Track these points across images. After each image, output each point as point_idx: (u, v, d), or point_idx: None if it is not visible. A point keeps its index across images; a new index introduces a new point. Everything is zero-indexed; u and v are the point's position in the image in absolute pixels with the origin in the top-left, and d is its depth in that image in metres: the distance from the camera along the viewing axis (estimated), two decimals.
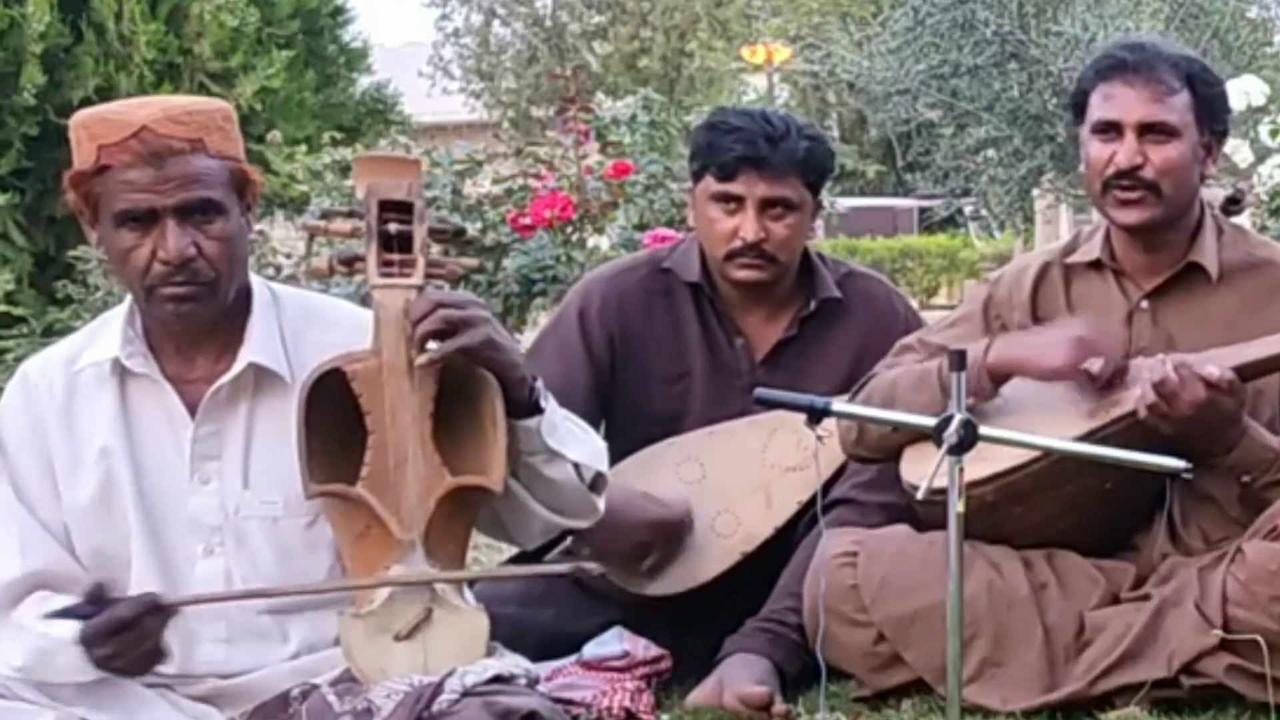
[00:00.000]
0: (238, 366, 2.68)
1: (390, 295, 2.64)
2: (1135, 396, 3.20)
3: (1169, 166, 3.32)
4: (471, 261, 2.98)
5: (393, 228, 2.67)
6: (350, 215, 2.72)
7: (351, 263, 2.71)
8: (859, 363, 3.70)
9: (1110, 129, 3.34)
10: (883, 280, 4.00)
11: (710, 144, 3.74)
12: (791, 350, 3.77)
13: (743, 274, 3.70)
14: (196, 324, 2.68)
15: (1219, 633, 3.17)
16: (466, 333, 2.60)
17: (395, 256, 2.66)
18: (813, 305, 3.77)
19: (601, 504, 2.84)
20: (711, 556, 3.61)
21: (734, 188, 3.68)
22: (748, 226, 3.67)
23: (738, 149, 3.67)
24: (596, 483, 2.81)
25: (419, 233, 2.68)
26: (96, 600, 2.57)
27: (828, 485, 3.56)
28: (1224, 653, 3.19)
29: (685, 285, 3.80)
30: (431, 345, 2.61)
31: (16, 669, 2.65)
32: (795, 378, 3.63)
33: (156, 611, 2.56)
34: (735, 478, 3.66)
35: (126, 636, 2.55)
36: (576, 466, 2.75)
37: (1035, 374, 3.31)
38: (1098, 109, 3.36)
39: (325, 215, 2.78)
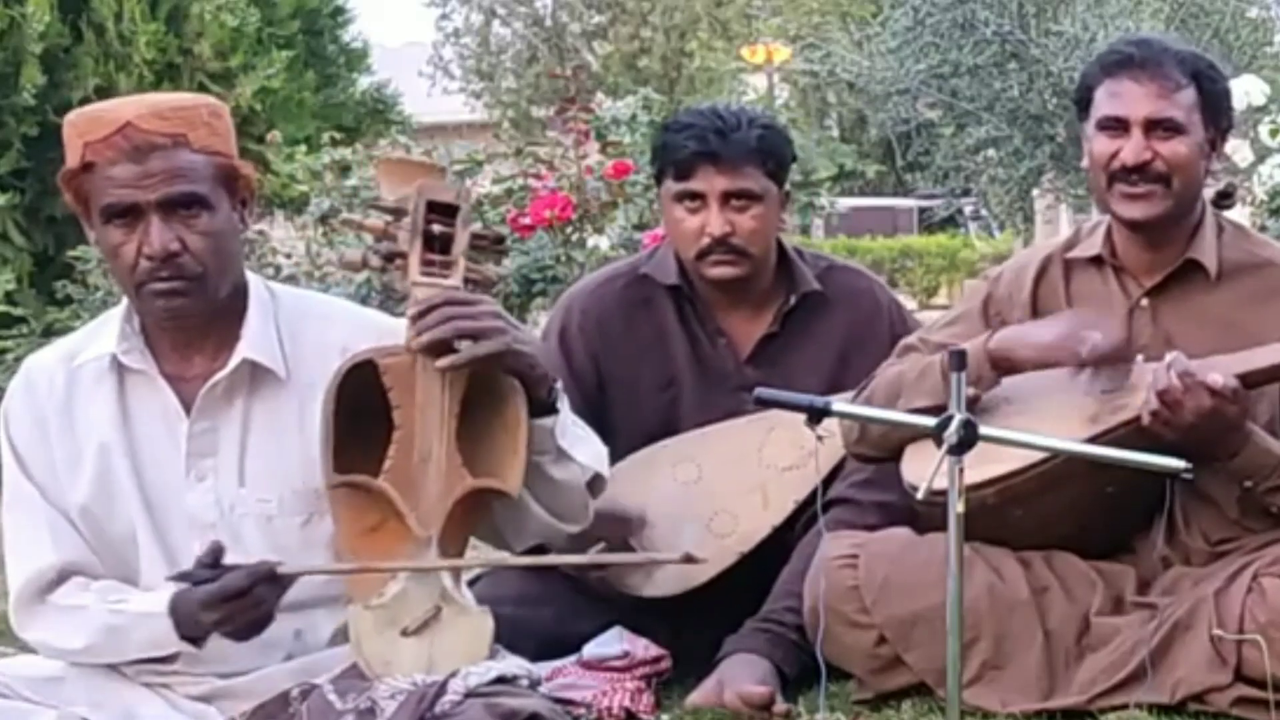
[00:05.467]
0: (233, 362, 2.69)
1: (430, 294, 2.66)
2: (1139, 403, 3.19)
3: (1178, 161, 3.30)
4: (503, 269, 3.00)
5: (436, 229, 2.70)
6: (396, 212, 2.73)
7: (391, 258, 2.72)
8: (845, 355, 3.70)
9: (1116, 125, 3.32)
10: (864, 272, 3.99)
11: (665, 144, 3.74)
12: (775, 346, 3.76)
13: (717, 271, 3.69)
14: (187, 319, 2.68)
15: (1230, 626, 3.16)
16: (490, 339, 2.62)
17: (436, 257, 2.69)
18: (793, 300, 3.76)
19: (592, 509, 2.85)
20: (709, 557, 3.60)
21: (693, 184, 3.67)
22: (713, 221, 3.65)
23: (691, 145, 3.66)
24: (594, 485, 2.81)
25: (462, 236, 2.71)
26: (214, 564, 2.59)
27: (826, 484, 3.55)
28: (1233, 687, 3.16)
29: (665, 290, 3.78)
30: (463, 344, 2.63)
31: (78, 650, 2.68)
32: (781, 374, 3.62)
33: (271, 580, 2.58)
34: (732, 478, 3.65)
35: (240, 603, 2.57)
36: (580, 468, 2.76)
37: (1030, 352, 3.27)
38: (1104, 105, 3.34)
39: (383, 210, 2.78)
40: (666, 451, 3.70)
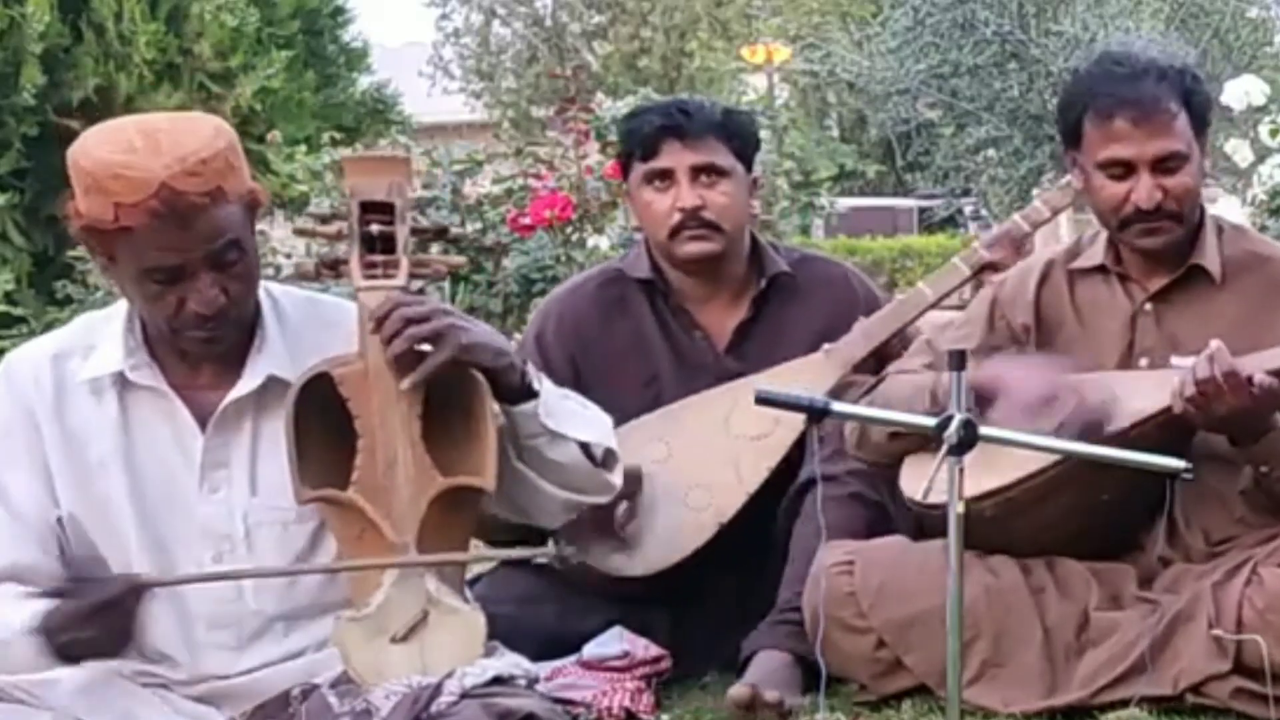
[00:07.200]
0: (257, 380, 2.66)
1: (374, 297, 2.62)
2: (1171, 392, 3.18)
3: (1185, 191, 3.31)
4: (458, 260, 2.96)
5: (375, 229, 2.66)
6: (334, 218, 2.70)
7: (336, 265, 2.69)
8: (822, 342, 3.69)
9: (1121, 166, 3.31)
10: (839, 262, 4.02)
11: (630, 129, 3.79)
12: (752, 335, 3.77)
13: (691, 247, 3.70)
14: (220, 350, 2.67)
15: (1218, 634, 3.16)
16: (442, 344, 2.59)
17: (379, 258, 2.65)
18: (763, 283, 3.78)
19: (617, 479, 2.84)
20: (688, 532, 3.58)
21: (661, 162, 3.70)
22: (683, 195, 3.68)
23: (655, 121, 3.72)
24: (608, 459, 2.81)
25: (401, 233, 2.66)
26: (78, 579, 2.55)
27: (796, 458, 3.54)
28: (1232, 676, 3.16)
29: (638, 287, 3.80)
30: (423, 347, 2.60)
31: None
32: (760, 362, 3.65)
33: (134, 591, 2.55)
34: (702, 451, 3.64)
35: (104, 617, 2.53)
36: (584, 446, 2.75)
37: (1006, 411, 3.20)
38: (1104, 148, 3.31)
39: (320, 219, 2.77)
40: (634, 433, 3.68)
